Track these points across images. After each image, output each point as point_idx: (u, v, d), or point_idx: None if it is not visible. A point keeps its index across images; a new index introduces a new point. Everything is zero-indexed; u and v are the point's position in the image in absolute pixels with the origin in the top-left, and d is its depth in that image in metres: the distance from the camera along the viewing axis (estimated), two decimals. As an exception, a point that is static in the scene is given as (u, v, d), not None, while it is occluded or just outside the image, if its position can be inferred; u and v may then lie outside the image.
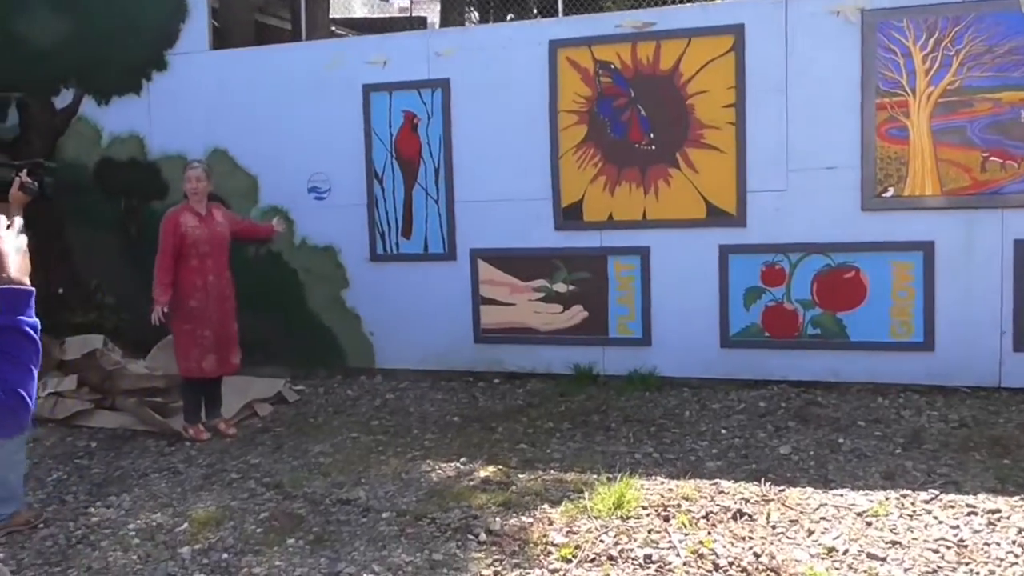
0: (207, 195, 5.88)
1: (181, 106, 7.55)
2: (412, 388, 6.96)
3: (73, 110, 7.87)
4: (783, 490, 4.61)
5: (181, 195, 7.47)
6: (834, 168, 6.24)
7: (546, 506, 4.47)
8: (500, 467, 5.08)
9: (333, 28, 12.15)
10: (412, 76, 7.01)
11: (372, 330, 7.31)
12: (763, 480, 4.74)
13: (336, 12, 13.81)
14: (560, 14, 7.20)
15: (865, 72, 6.13)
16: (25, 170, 4.38)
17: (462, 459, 5.24)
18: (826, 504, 4.40)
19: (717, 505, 4.43)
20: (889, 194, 6.16)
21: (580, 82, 6.68)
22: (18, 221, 4.03)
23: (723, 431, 5.65)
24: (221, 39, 8.57)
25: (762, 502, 4.46)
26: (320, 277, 7.37)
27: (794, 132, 6.30)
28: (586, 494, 4.56)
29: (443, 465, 5.15)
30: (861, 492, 4.54)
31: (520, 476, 4.93)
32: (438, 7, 15.26)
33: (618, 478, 4.77)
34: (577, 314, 6.85)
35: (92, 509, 4.62)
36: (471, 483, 4.85)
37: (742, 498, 4.51)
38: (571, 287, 6.83)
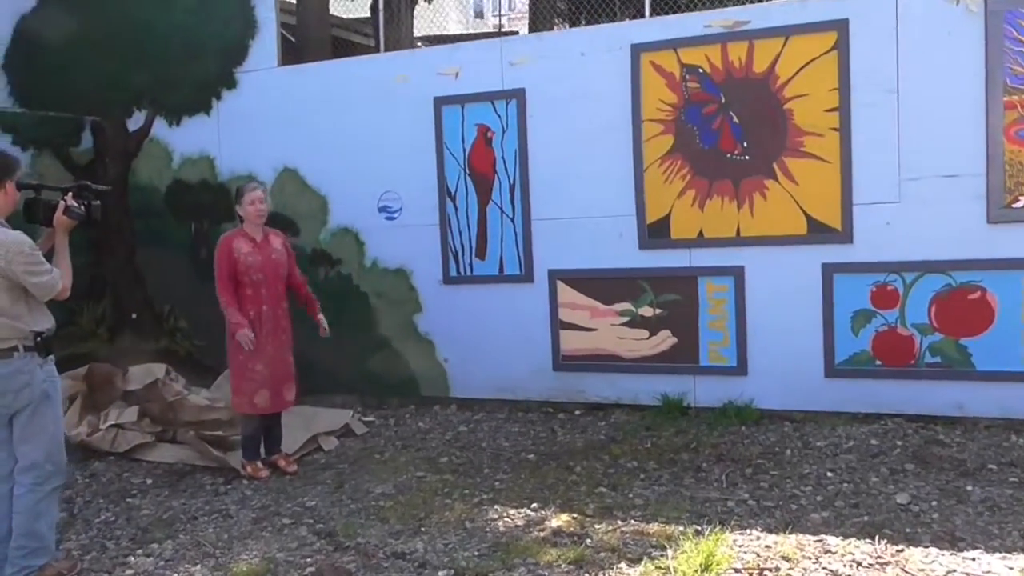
0: (264, 220, 5.54)
1: (250, 125, 7.31)
2: (487, 420, 6.50)
3: (145, 132, 7.73)
4: (902, 550, 3.96)
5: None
6: (955, 176, 5.53)
7: (623, 565, 3.94)
8: (575, 515, 4.56)
9: (419, 45, 11.87)
10: (485, 87, 6.59)
11: (446, 357, 6.89)
12: (877, 537, 4.10)
13: (430, 29, 13.53)
14: (648, 15, 6.65)
15: (990, 67, 5.41)
16: (71, 193, 4.13)
17: (534, 504, 4.74)
18: (955, 571, 3.74)
19: (823, 569, 3.82)
20: (1020, 204, 5.42)
21: (665, 88, 6.14)
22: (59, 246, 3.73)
23: (829, 474, 5.01)
24: (297, 56, 8.35)
25: (877, 565, 3.82)
26: (392, 301, 7.00)
27: (907, 137, 5.62)
28: (670, 551, 4.01)
29: (512, 512, 4.66)
30: (998, 555, 3.86)
31: (597, 527, 4.41)
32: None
33: (707, 531, 4.21)
34: (665, 340, 6.28)
35: (132, 558, 4.29)
36: (541, 534, 4.34)
37: (853, 560, 3.89)
38: (658, 311, 6.28)
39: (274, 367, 5.45)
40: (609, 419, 6.30)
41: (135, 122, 7.77)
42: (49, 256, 4.04)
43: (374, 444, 6.09)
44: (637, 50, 6.18)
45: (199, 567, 4.14)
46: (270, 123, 7.23)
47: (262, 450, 5.59)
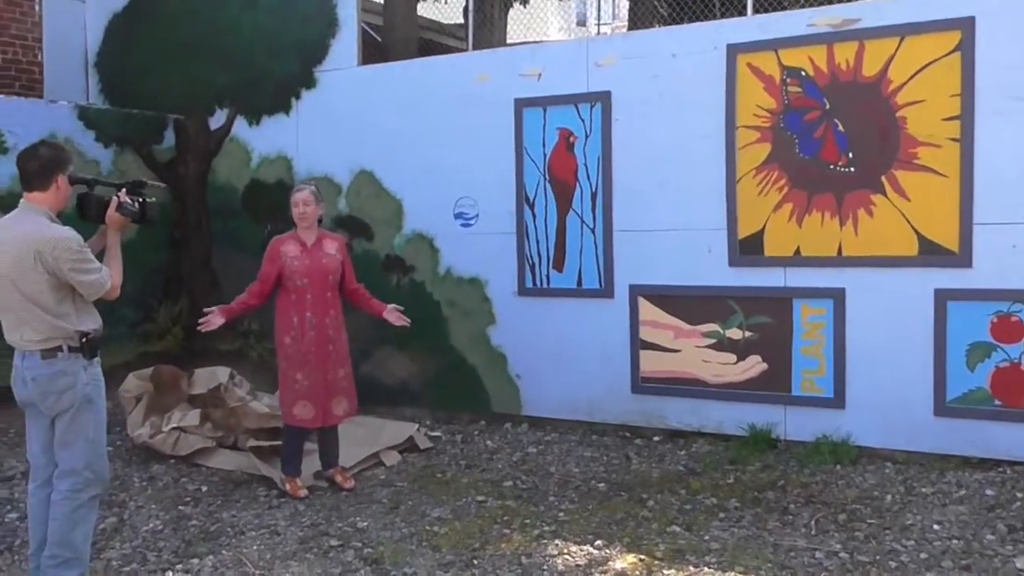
0: (316, 222, 5.28)
1: (328, 125, 7.12)
2: (559, 442, 6.11)
3: (226, 131, 7.63)
4: (1021, 627, 3.41)
5: (326, 220, 7.12)
6: (1093, 195, 4.90)
7: (692, 622, 3.50)
8: (642, 557, 4.14)
9: (514, 50, 11.56)
10: (569, 89, 6.22)
11: (519, 372, 6.53)
12: (992, 608, 3.55)
13: (527, 35, 13.22)
14: (749, 13, 6.15)
15: None
16: (124, 189, 3.94)
17: (598, 542, 4.33)
18: (1087, 658, 3.18)
19: (926, 643, 3.31)
20: None
21: (764, 92, 5.66)
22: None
23: (936, 527, 4.45)
24: (383, 58, 8.15)
25: (991, 644, 3.29)
26: (465, 311, 6.68)
27: (1038, 150, 5.02)
28: (747, 609, 3.55)
29: (574, 548, 4.26)
30: None
31: (666, 572, 3.97)
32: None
33: (791, 588, 3.73)
34: (754, 366, 5.78)
35: (170, 574, 4.06)
36: (603, 577, 3.94)
37: (962, 635, 3.36)
38: (747, 334, 5.78)
39: (316, 379, 5.15)
40: (689, 448, 5.83)
41: (216, 121, 7.69)
42: (101, 255, 3.85)
43: (437, 462, 5.77)
44: (734, 51, 5.71)
45: (233, 591, 3.88)
46: (348, 124, 7.03)
47: (315, 464, 5.32)
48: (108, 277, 3.73)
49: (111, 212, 3.87)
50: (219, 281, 7.77)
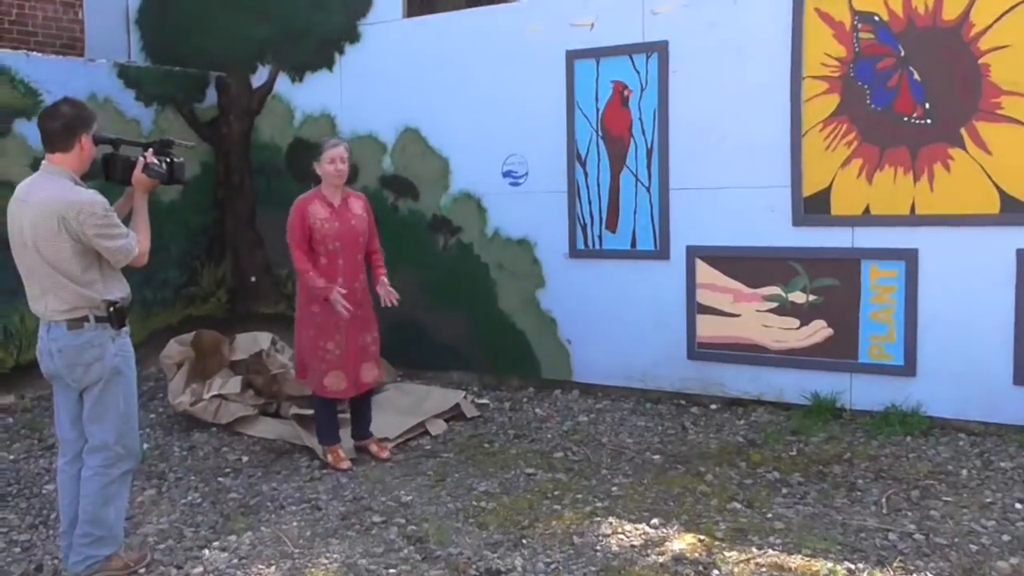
0: (344, 181, 5.04)
1: (372, 81, 6.87)
2: (611, 410, 5.88)
3: (268, 88, 7.43)
4: (1120, 621, 3.12)
5: (370, 179, 6.93)
6: None
7: (757, 611, 3.27)
8: (702, 537, 3.90)
9: None
10: (623, 39, 5.88)
11: (569, 337, 6.29)
12: (1086, 598, 3.27)
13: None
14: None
15: None
16: (151, 149, 3.75)
17: (654, 520, 4.10)
18: None
19: (1015, 639, 3.04)
20: None
21: (833, 40, 5.28)
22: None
23: (1018, 505, 4.15)
24: (429, 10, 7.85)
25: (1088, 641, 3.01)
26: (513, 274, 6.44)
27: None
28: (816, 598, 3.31)
29: (628, 527, 4.04)
30: None
31: (727, 554, 3.74)
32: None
33: (863, 572, 3.47)
34: (818, 331, 5.47)
35: (207, 551, 3.92)
36: (660, 559, 3.71)
37: (1055, 630, 3.08)
38: (812, 297, 5.47)
39: (349, 347, 4.94)
40: (749, 418, 5.56)
41: (259, 78, 7.48)
42: (128, 220, 3.67)
43: (485, 431, 5.58)
44: (800, -5, 5.33)
45: (273, 569, 3.73)
46: (393, 79, 6.77)
47: (345, 434, 5.16)
48: (136, 243, 3.55)
49: (137, 173, 3.68)
50: (264, 241, 7.62)
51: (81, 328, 3.50)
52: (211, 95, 7.63)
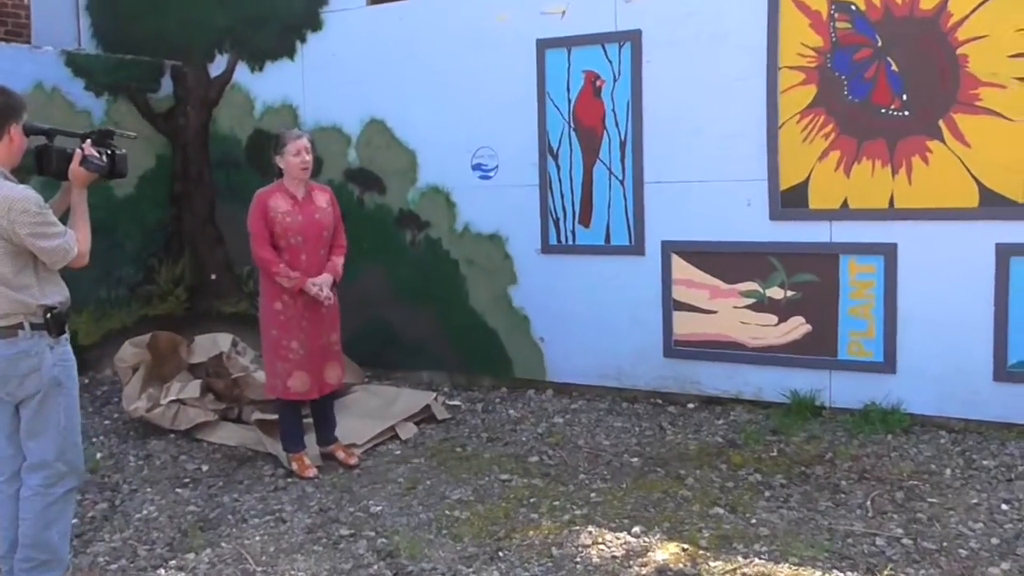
0: (310, 174, 4.84)
1: (336, 71, 6.64)
2: (586, 410, 5.73)
3: (227, 78, 7.15)
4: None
5: (335, 172, 6.70)
6: None
7: (748, 628, 3.14)
8: (686, 545, 3.77)
9: None
10: (596, 28, 5.72)
11: (543, 335, 6.14)
12: (1081, 607, 3.18)
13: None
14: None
15: None
16: (89, 140, 3.50)
17: (635, 528, 3.96)
18: None
19: (1014, 654, 2.94)
20: None
21: (809, 29, 5.16)
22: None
23: (1004, 506, 4.08)
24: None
25: (1088, 653, 2.92)
26: (484, 270, 6.26)
27: (1120, 89, 4.52)
28: (808, 611, 3.19)
29: (609, 536, 3.89)
30: None
31: (712, 564, 3.61)
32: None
33: (854, 583, 3.37)
34: (797, 327, 5.37)
35: (162, 571, 3.71)
36: (643, 570, 3.58)
37: (1053, 642, 2.99)
38: (790, 293, 5.36)
39: (312, 345, 4.75)
40: (727, 416, 5.45)
41: (217, 67, 7.20)
42: (66, 218, 3.42)
43: (457, 434, 5.40)
44: (777, -17, 5.20)
45: (235, 591, 3.54)
46: (356, 68, 6.54)
47: (310, 440, 4.97)
48: (74, 242, 3.30)
49: (74, 166, 3.41)
50: (223, 237, 7.36)
51: (15, 336, 3.25)
52: (167, 84, 7.33)
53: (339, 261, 4.88)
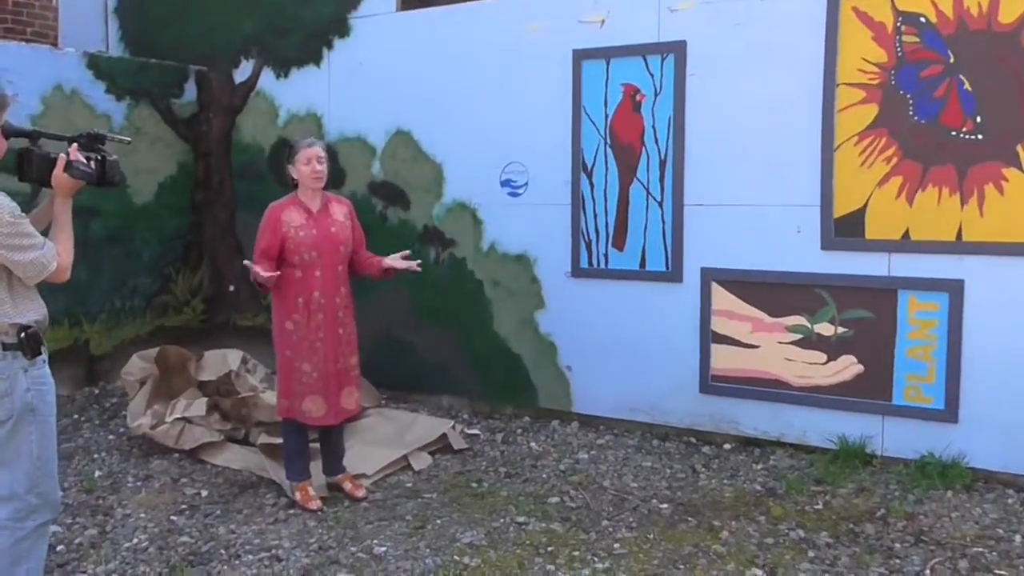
0: (324, 184, 4.51)
1: (363, 79, 6.33)
2: (613, 446, 5.32)
3: (252, 84, 6.89)
4: None
5: (358, 185, 6.39)
6: None
7: None
8: (719, 614, 3.35)
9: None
10: (637, 39, 5.34)
11: (570, 364, 5.74)
12: None
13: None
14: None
15: None
16: (76, 144, 3.19)
17: (663, 589, 3.55)
18: None
19: None
20: None
21: (872, 43, 4.74)
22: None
23: (1083, 581, 3.59)
24: (427, 4, 7.31)
25: None
26: (510, 292, 5.89)
27: None
28: None
29: (633, 598, 3.48)
30: None
31: (749, 638, 3.18)
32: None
33: (914, 672, 2.91)
34: (847, 367, 4.92)
35: (138, 615, 3.38)
36: (670, 643, 3.16)
37: None
38: (841, 329, 4.91)
39: (327, 369, 4.40)
40: (767, 461, 5.00)
41: (242, 73, 6.94)
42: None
43: (474, 468, 5.02)
44: (837, -8, 4.80)
45: (211, 644, 3.18)
46: (384, 77, 6.23)
47: (317, 467, 4.62)
48: (53, 255, 2.98)
49: (58, 172, 3.09)
50: (243, 249, 7.06)
51: None
52: (191, 90, 7.09)
53: (371, 255, 4.60)
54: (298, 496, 4.46)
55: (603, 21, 5.46)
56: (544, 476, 4.86)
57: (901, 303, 4.74)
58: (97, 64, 6.52)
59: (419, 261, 4.55)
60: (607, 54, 5.43)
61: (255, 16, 6.79)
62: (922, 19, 4.62)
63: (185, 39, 7.13)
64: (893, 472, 4.71)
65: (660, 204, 5.35)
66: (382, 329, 6.15)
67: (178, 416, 5.22)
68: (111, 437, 5.56)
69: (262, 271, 4.22)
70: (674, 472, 4.89)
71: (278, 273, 4.28)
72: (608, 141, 5.48)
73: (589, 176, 5.54)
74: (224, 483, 4.81)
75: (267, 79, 6.80)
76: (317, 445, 4.71)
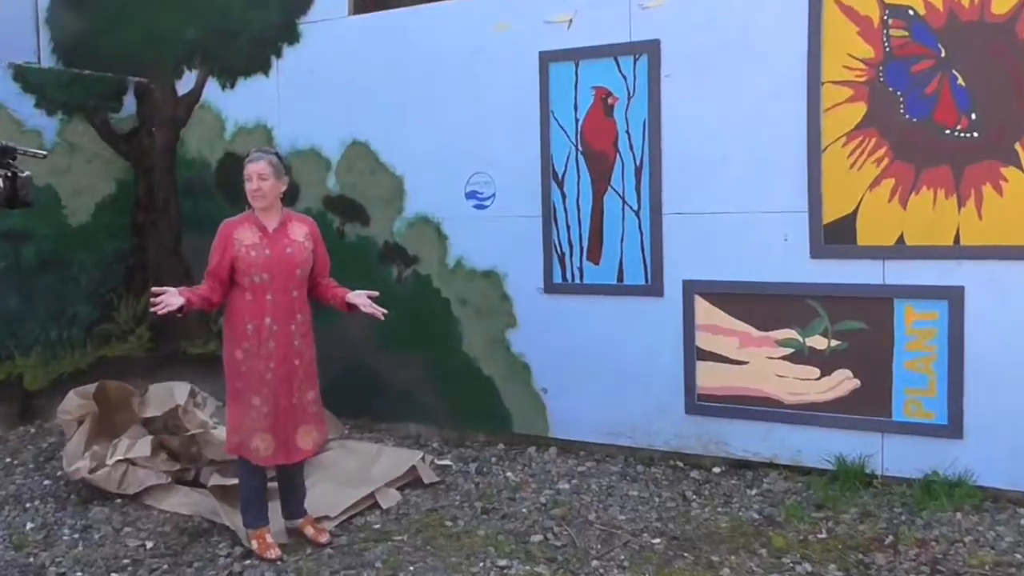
0: (278, 200, 4.12)
1: (314, 88, 5.94)
2: (596, 473, 4.97)
3: (196, 96, 6.45)
4: None
5: (313, 200, 6.00)
6: None
7: None
8: (731, 668, 3.00)
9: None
10: (607, 39, 5.03)
11: (545, 386, 5.39)
12: None
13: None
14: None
15: None
16: None
17: (666, 641, 3.20)
18: None
19: None
20: None
21: (858, 38, 4.47)
22: None
23: (1114, 611, 3.31)
24: (381, 8, 6.95)
25: None
26: (479, 311, 5.53)
27: None
28: None
29: (635, 654, 3.13)
30: None
31: None
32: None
33: None
34: (842, 382, 4.63)
35: None
36: None
37: None
38: (834, 342, 4.62)
39: (279, 404, 4.00)
40: (761, 484, 4.69)
41: (185, 84, 6.50)
42: None
43: (447, 504, 4.63)
44: (819, -15, 4.52)
45: None
46: (338, 85, 5.85)
47: (276, 510, 4.21)
48: None
49: None
50: (191, 271, 6.60)
51: None
52: (130, 103, 6.63)
53: (335, 284, 4.22)
54: (255, 544, 4.04)
55: (570, 21, 5.14)
56: (524, 511, 4.49)
57: (898, 313, 4.47)
58: (24, 76, 6.05)
59: (384, 311, 4.11)
60: (576, 55, 5.11)
61: (198, 22, 6.37)
62: (910, 11, 4.36)
63: (123, 49, 6.68)
64: (896, 493, 4.42)
65: (637, 213, 5.03)
66: (342, 353, 5.75)
67: (120, 457, 4.77)
68: (47, 483, 5.08)
69: (164, 300, 3.83)
70: (663, 501, 4.56)
71: (182, 302, 3.87)
72: (579, 148, 5.15)
73: (560, 185, 5.21)
74: (172, 531, 4.37)
75: (212, 90, 6.38)
76: (275, 483, 4.30)
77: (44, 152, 3.24)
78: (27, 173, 2.89)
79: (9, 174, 2.83)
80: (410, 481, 4.91)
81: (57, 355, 6.24)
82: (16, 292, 5.85)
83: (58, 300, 6.22)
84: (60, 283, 6.22)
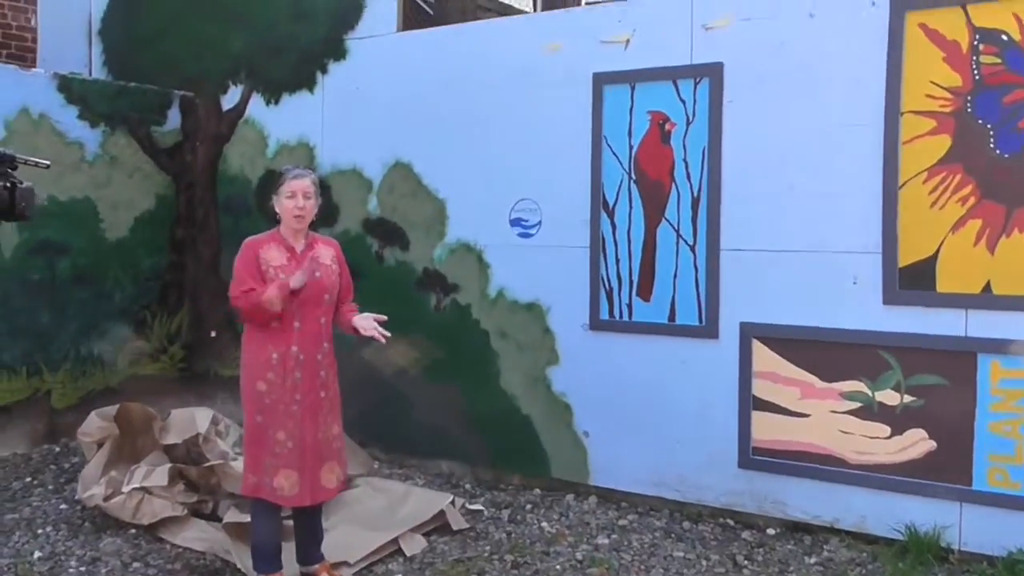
0: (308, 223, 3.87)
1: (359, 106, 5.72)
2: (638, 528, 4.59)
3: (240, 111, 6.28)
4: None
5: (352, 222, 5.76)
6: None
7: None
8: None
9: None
10: (666, 60, 4.70)
11: (587, 429, 5.03)
12: None
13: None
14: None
15: None
16: None
17: None
18: None
19: None
20: None
21: (943, 64, 4.07)
22: None
23: None
24: (431, 23, 6.73)
25: None
26: (520, 345, 5.20)
27: None
28: None
29: None
30: None
31: None
32: None
33: None
34: (916, 443, 4.18)
35: None
36: None
37: None
38: (908, 398, 4.18)
39: (305, 439, 3.71)
40: (820, 552, 4.25)
41: (230, 99, 6.34)
42: None
43: (475, 555, 4.28)
44: (901, 6, 4.13)
45: None
46: (383, 104, 5.61)
47: (290, 553, 3.91)
48: None
49: None
50: (228, 290, 6.41)
51: None
52: (174, 117, 6.48)
53: (357, 311, 3.96)
54: (265, 591, 3.75)
55: (628, 41, 4.82)
56: (558, 567, 4.13)
57: (981, 369, 4.02)
58: (69, 87, 5.93)
59: (387, 334, 3.82)
60: (632, 78, 4.78)
61: (245, 35, 6.21)
62: (1004, 36, 3.94)
63: (170, 62, 6.56)
64: (976, 571, 3.96)
65: (692, 248, 4.67)
66: (375, 384, 5.47)
67: (136, 486, 4.53)
68: (63, 507, 4.87)
69: (277, 296, 3.61)
70: (711, 565, 4.15)
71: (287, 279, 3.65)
72: (633, 176, 4.81)
73: (611, 215, 4.87)
74: (182, 570, 4.11)
75: (256, 106, 6.19)
76: (290, 521, 4.01)
77: (47, 162, 3.01)
78: (28, 184, 2.67)
79: (8, 184, 2.61)
80: (438, 526, 4.58)
81: (86, 372, 6.08)
82: (48, 306, 5.70)
83: (90, 316, 6.06)
84: (93, 298, 6.07)
